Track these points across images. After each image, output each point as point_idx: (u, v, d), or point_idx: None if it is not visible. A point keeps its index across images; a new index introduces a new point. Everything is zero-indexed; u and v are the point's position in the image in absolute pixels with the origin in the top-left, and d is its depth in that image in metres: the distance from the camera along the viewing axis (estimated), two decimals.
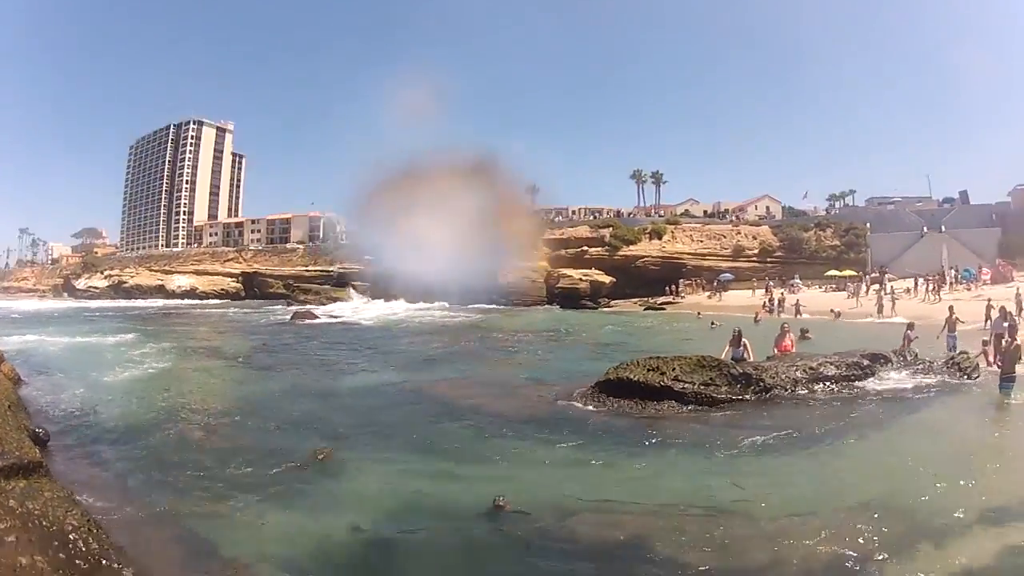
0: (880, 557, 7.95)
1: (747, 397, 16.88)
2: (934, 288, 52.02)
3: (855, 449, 12.81)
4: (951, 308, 24.78)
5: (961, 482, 10.30)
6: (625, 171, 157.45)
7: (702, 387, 16.94)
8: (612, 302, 78.79)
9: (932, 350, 21.68)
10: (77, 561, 7.14)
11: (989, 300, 30.02)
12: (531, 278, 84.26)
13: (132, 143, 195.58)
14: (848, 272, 71.35)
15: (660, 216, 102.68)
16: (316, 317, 58.59)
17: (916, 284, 56.66)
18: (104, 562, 7.35)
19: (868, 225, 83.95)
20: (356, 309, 67.61)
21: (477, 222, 75.48)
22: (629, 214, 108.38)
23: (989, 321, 24.56)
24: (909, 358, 19.74)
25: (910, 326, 23.43)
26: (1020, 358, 17.24)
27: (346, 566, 8.43)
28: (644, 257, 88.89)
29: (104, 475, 11.89)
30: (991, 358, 19.85)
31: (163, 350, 32.34)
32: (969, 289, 53.66)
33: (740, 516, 9.42)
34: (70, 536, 7.47)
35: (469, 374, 24.40)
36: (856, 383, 18.01)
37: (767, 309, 51.62)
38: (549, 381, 21.57)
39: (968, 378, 18.45)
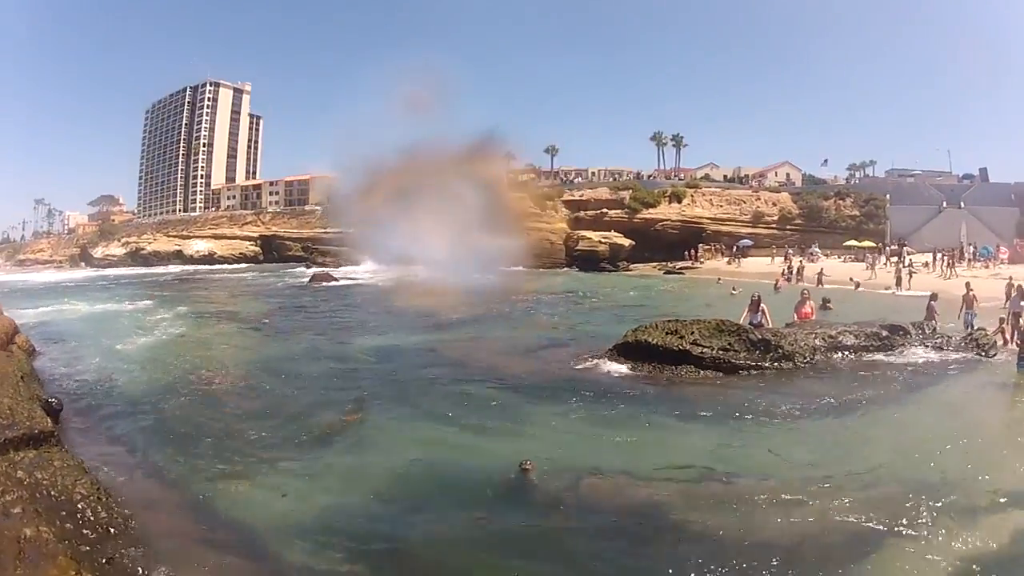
0: (895, 530, 7.85)
1: (765, 364, 16.70)
2: (950, 263, 51.69)
3: (872, 421, 12.65)
4: (968, 285, 24.10)
5: (976, 460, 10.15)
6: (645, 133, 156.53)
7: (720, 352, 16.82)
8: (631, 265, 78.47)
9: (949, 325, 21.38)
10: (85, 531, 7.14)
11: (1011, 279, 29.57)
12: (550, 240, 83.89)
13: (148, 107, 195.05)
14: (867, 243, 70.85)
15: (680, 179, 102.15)
16: (335, 279, 58.61)
17: (935, 258, 56.24)
18: (112, 530, 7.36)
19: (888, 196, 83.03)
20: (375, 271, 67.46)
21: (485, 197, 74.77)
22: (649, 176, 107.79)
23: (1008, 300, 24.16)
24: (928, 331, 19.43)
25: (933, 297, 23.02)
26: None
27: (370, 533, 8.27)
28: (663, 220, 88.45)
29: (117, 443, 11.90)
30: (1008, 336, 19.60)
31: (180, 316, 32.63)
32: (986, 267, 53.02)
33: (757, 483, 9.35)
34: (78, 505, 7.50)
35: (488, 336, 24.39)
36: (874, 354, 17.79)
37: (786, 278, 51.10)
38: (567, 343, 21.69)
39: (986, 355, 18.14)
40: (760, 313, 19.64)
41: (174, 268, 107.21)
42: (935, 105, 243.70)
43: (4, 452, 7.99)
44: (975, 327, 20.62)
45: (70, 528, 6.97)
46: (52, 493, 7.47)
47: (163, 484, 9.65)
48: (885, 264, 57.22)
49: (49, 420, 9.89)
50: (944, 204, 78.54)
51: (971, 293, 22.84)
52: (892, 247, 67.21)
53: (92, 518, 7.36)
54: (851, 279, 47.19)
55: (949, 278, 45.15)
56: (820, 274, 47.81)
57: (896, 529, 7.84)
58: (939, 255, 55.52)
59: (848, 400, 13.78)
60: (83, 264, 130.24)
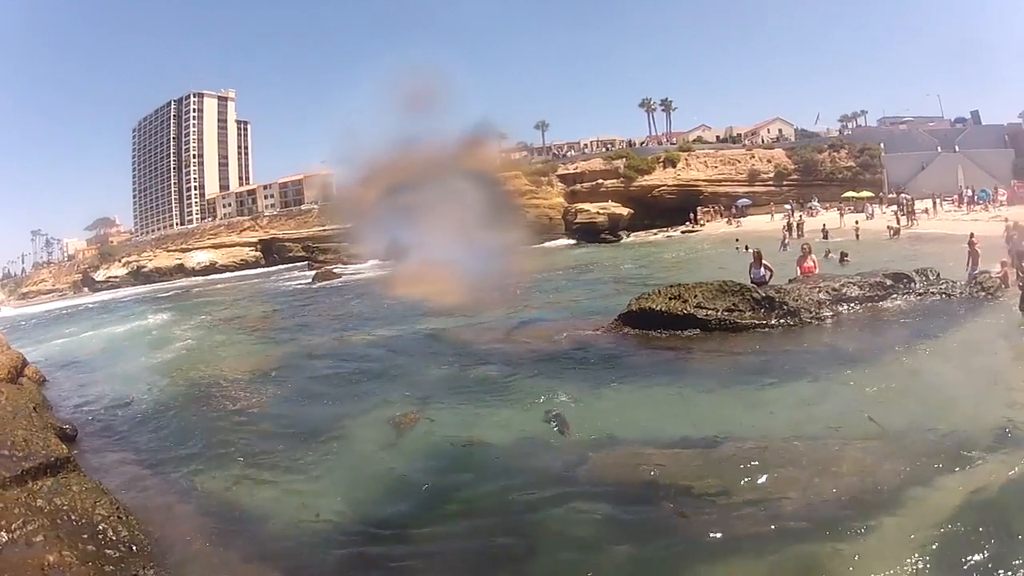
0: (905, 483, 7.82)
1: (771, 321, 16.65)
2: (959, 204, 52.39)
3: (882, 372, 12.48)
4: (972, 238, 23.09)
5: (986, 405, 10.05)
6: (633, 100, 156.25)
7: (725, 313, 16.78)
8: (631, 234, 78.57)
9: (955, 270, 21.08)
10: (107, 551, 7.20)
11: (1007, 220, 29.24)
12: (548, 215, 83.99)
13: (135, 125, 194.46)
14: (865, 193, 71.05)
15: (672, 144, 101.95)
16: (337, 276, 58.77)
17: (934, 204, 56.89)
18: (135, 548, 7.41)
19: (882, 145, 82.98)
20: (378, 266, 67.30)
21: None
22: (641, 143, 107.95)
23: (1009, 242, 23.68)
24: (932, 277, 19.30)
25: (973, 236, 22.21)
26: None
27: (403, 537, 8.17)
28: (660, 186, 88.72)
29: (135, 461, 11.87)
30: (1013, 279, 19.44)
31: (187, 328, 32.69)
32: (987, 210, 52.89)
33: (769, 442, 9.32)
34: (99, 527, 7.57)
35: (495, 318, 24.10)
36: (880, 303, 17.69)
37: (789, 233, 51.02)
38: (572, 317, 21.68)
39: (992, 298, 18.04)
40: (763, 268, 19.57)
41: (177, 282, 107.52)
42: (921, 50, 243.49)
43: (23, 483, 8.04)
44: (978, 270, 20.39)
45: (92, 550, 7.02)
46: (73, 517, 7.53)
47: (184, 499, 9.62)
48: (884, 213, 57.28)
49: (64, 446, 9.95)
50: (939, 149, 78.49)
51: (976, 247, 22.09)
52: (891, 196, 67.13)
53: (114, 538, 7.42)
54: (856, 226, 47.22)
55: (956, 221, 45.34)
56: (824, 229, 47.59)
57: (904, 483, 7.82)
58: (939, 201, 56.37)
59: (857, 352, 13.71)
60: (86, 289, 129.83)
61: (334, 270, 63.77)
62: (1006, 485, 7.48)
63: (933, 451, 8.45)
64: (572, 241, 76.81)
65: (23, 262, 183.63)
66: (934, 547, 6.50)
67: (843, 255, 30.45)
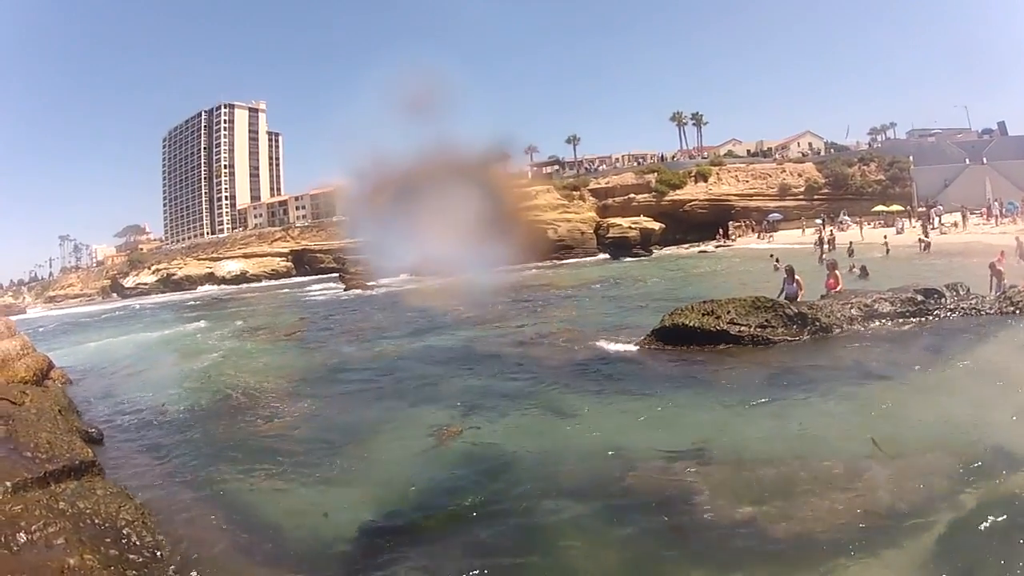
0: (934, 502, 7.63)
1: (804, 337, 16.51)
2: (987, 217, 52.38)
3: (915, 389, 12.28)
4: (1000, 257, 22.30)
5: (1017, 422, 9.79)
6: (665, 114, 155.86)
7: (758, 329, 16.62)
8: (663, 248, 78.41)
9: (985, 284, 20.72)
10: (131, 555, 7.15)
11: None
12: (580, 229, 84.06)
13: (164, 135, 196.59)
14: (895, 207, 70.50)
15: (704, 158, 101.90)
16: (369, 289, 58.94)
17: (964, 218, 56.39)
18: (159, 554, 7.36)
19: (911, 158, 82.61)
20: (409, 280, 66.77)
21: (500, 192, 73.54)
22: (672, 157, 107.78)
23: None
24: (962, 292, 19.00)
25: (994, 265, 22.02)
26: None
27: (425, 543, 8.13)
28: (691, 201, 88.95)
29: (161, 466, 11.81)
30: None
31: (216, 336, 32.96)
32: (1015, 222, 52.38)
33: (802, 460, 9.10)
34: (123, 531, 7.52)
35: (525, 331, 24.06)
36: (911, 319, 17.47)
37: (822, 248, 50.51)
38: (605, 331, 21.39)
39: (1021, 312, 17.75)
40: (795, 284, 19.43)
41: (207, 290, 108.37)
42: (948, 61, 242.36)
43: (45, 485, 8.02)
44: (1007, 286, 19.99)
45: (115, 554, 6.96)
46: (96, 521, 7.48)
47: (209, 506, 9.51)
48: (914, 227, 56.74)
49: (89, 449, 9.92)
50: (967, 161, 77.97)
51: (1000, 265, 21.57)
52: (920, 209, 66.59)
53: (138, 543, 7.36)
54: (884, 240, 46.88)
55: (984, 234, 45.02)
56: (850, 246, 47.07)
57: (947, 500, 7.63)
58: (968, 213, 56.26)
59: (881, 368, 13.53)
60: (114, 295, 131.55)
61: (365, 282, 63.78)
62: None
63: (946, 473, 8.24)
64: (605, 255, 76.56)
65: (51, 266, 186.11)
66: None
67: (863, 269, 30.44)
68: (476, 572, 7.12)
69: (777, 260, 37.01)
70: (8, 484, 7.74)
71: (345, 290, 58.47)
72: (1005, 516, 7.03)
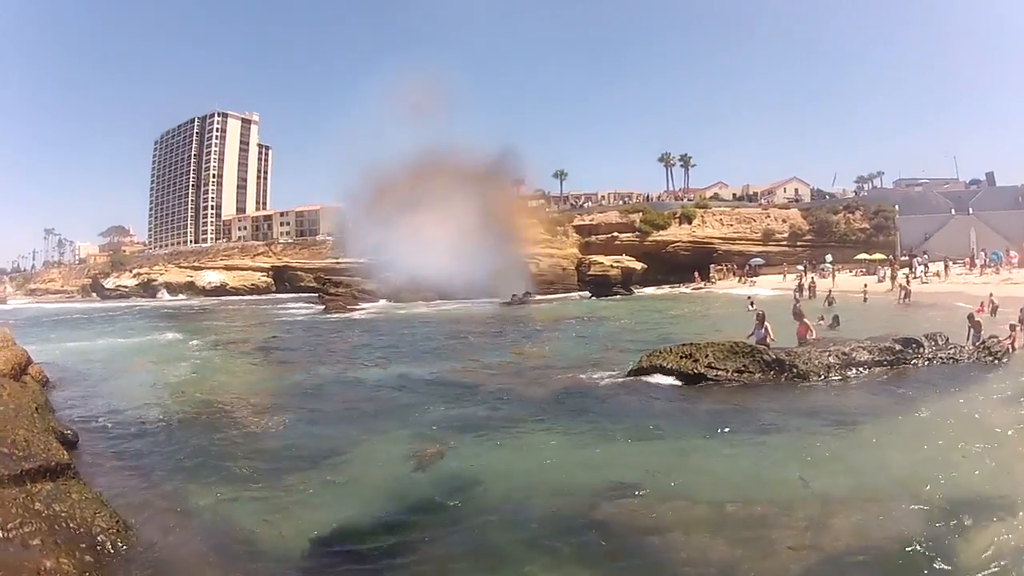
0: (912, 547, 7.74)
1: (781, 383, 16.63)
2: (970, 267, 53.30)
3: (891, 437, 12.48)
4: (979, 307, 22.74)
5: (993, 470, 10.13)
6: (653, 155, 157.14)
7: (736, 374, 16.82)
8: (643, 288, 78.48)
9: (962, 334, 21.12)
10: (105, 563, 7.10)
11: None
12: (561, 265, 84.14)
13: (156, 138, 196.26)
14: (878, 255, 71.24)
15: (689, 200, 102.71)
16: (348, 310, 58.87)
17: (946, 267, 57.22)
18: (133, 566, 7.31)
19: (896, 207, 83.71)
20: (388, 306, 66.35)
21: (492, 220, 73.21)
22: (658, 198, 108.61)
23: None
24: (941, 342, 19.28)
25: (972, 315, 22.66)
26: None
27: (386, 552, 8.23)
28: (675, 242, 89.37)
29: (135, 473, 11.78)
30: (1021, 343, 19.46)
31: (194, 346, 32.85)
32: (997, 272, 53.40)
33: (778, 504, 9.23)
34: (98, 538, 7.50)
35: (501, 364, 24.14)
36: (889, 368, 17.71)
37: (800, 295, 50.72)
38: (582, 366, 21.41)
39: (998, 362, 18.10)
40: (764, 330, 19.63)
41: (186, 300, 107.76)
42: (939, 111, 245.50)
43: (21, 484, 7.95)
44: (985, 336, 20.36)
45: (90, 561, 6.93)
46: (71, 525, 7.45)
47: (183, 516, 9.52)
48: (893, 277, 57.28)
49: (65, 452, 9.84)
50: (953, 211, 79.32)
51: (978, 319, 22.00)
52: (902, 259, 67.17)
53: (112, 551, 7.36)
54: (864, 290, 47.28)
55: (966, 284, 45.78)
56: (829, 295, 47.38)
57: (908, 547, 7.75)
58: (951, 263, 57.34)
59: (863, 417, 13.66)
60: (94, 295, 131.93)
61: (344, 303, 63.70)
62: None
63: (907, 520, 8.45)
64: (584, 293, 76.55)
65: (34, 258, 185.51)
66: None
67: (835, 319, 30.33)
68: None
69: (752, 303, 37.46)
70: None
71: (324, 311, 58.24)
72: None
